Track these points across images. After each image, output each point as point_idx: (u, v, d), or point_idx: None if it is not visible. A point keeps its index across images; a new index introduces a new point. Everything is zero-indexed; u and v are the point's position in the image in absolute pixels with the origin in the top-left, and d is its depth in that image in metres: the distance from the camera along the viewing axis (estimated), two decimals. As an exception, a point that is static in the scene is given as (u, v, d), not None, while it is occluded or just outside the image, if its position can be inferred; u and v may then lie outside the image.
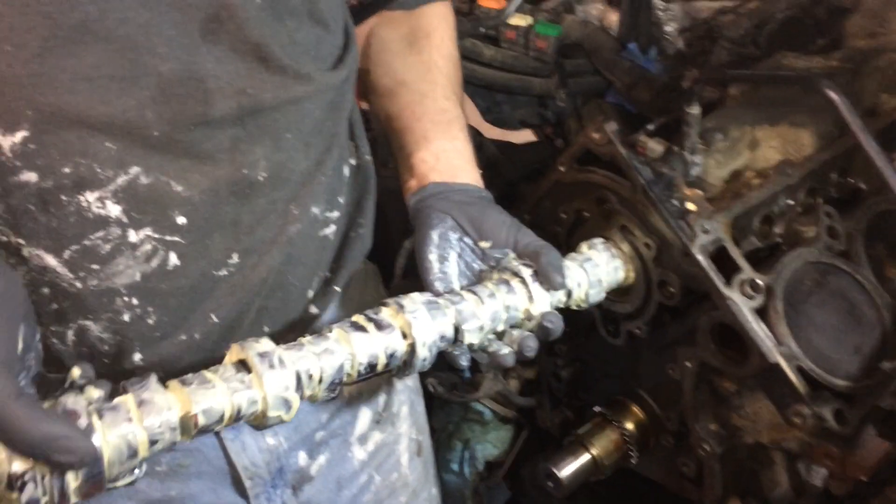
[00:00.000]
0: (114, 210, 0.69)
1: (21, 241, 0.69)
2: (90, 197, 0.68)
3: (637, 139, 1.04)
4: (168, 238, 0.72)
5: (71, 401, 0.61)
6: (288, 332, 0.85)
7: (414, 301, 0.80)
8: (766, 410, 0.97)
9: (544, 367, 1.28)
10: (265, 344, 0.71)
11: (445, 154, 0.96)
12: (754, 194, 1.00)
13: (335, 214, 0.86)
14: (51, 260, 0.70)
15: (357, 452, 1.01)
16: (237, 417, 0.68)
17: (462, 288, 0.87)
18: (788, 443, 0.98)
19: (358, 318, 0.78)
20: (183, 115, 0.69)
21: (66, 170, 0.67)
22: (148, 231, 0.71)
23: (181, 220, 0.72)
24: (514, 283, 0.86)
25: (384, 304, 0.80)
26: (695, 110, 0.99)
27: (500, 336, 0.86)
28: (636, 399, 1.15)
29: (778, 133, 1.08)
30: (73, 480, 0.59)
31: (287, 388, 0.70)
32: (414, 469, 1.10)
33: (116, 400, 0.64)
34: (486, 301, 0.83)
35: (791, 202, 1.03)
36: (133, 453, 0.62)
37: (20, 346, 0.61)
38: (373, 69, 1.01)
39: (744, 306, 0.92)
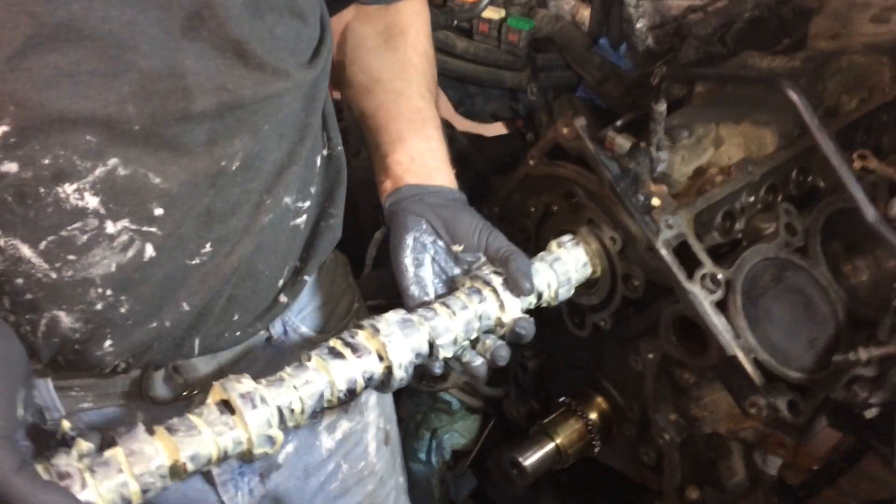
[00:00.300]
0: (92, 201, 0.70)
1: None
2: (68, 189, 0.69)
3: (605, 135, 1.05)
4: (145, 229, 0.72)
5: (63, 462, 0.64)
6: (256, 321, 0.86)
7: (389, 323, 0.82)
8: (723, 401, 1.00)
9: (511, 359, 1.29)
10: (247, 384, 0.73)
11: (420, 155, 0.97)
12: (717, 191, 1.02)
13: (306, 204, 0.87)
14: (26, 251, 0.70)
15: (325, 441, 1.02)
16: (224, 458, 0.72)
17: (435, 298, 0.90)
18: (745, 433, 1.01)
19: (335, 344, 0.80)
20: (163, 111, 0.70)
21: (46, 161, 0.67)
22: (125, 222, 0.71)
23: (158, 211, 0.72)
24: (486, 291, 0.88)
25: (359, 328, 0.82)
26: (661, 107, 1.01)
27: (473, 343, 0.89)
28: (600, 390, 1.17)
29: (741, 131, 1.10)
30: None
31: (270, 425, 0.73)
32: (381, 457, 1.11)
33: (107, 454, 0.66)
34: (458, 313, 0.86)
35: (752, 199, 1.05)
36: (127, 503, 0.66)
37: (20, 410, 0.65)
38: (348, 65, 1.02)
39: (704, 300, 0.95)
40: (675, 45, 1.46)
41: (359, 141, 1.76)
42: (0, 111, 0.65)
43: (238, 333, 0.85)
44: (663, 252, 0.97)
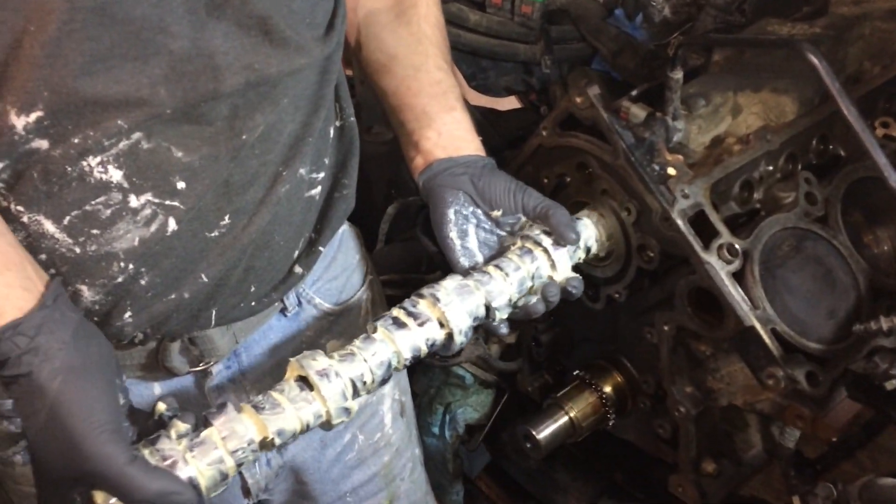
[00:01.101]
0: (115, 175, 0.71)
1: (21, 207, 0.70)
2: (92, 162, 0.70)
3: (620, 104, 1.04)
4: (168, 203, 0.73)
5: (167, 447, 0.71)
6: (272, 292, 0.87)
7: (447, 290, 0.87)
8: (740, 373, 0.99)
9: (525, 332, 1.29)
10: (321, 360, 0.79)
11: (446, 127, 0.99)
12: (734, 160, 1.00)
13: (321, 175, 0.87)
14: (50, 226, 0.71)
15: None
16: (306, 430, 0.78)
17: (487, 262, 0.93)
18: (762, 404, 0.99)
19: (398, 314, 0.86)
20: (194, 92, 0.71)
21: (76, 140, 0.69)
22: (148, 196, 0.73)
23: (181, 185, 0.73)
24: (537, 252, 0.92)
25: (420, 297, 0.87)
26: (677, 75, 0.99)
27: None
28: (615, 363, 1.16)
29: (760, 99, 1.08)
30: None
31: (345, 397, 0.79)
32: (397, 429, 1.11)
33: (203, 434, 0.73)
34: (511, 275, 0.90)
35: (771, 168, 1.03)
36: (224, 477, 0.73)
37: (120, 399, 0.70)
38: (364, 43, 1.02)
39: (721, 270, 0.93)
40: (693, 15, 1.43)
41: (370, 116, 1.75)
42: (34, 96, 0.66)
43: (254, 304, 0.85)
44: (679, 222, 0.95)
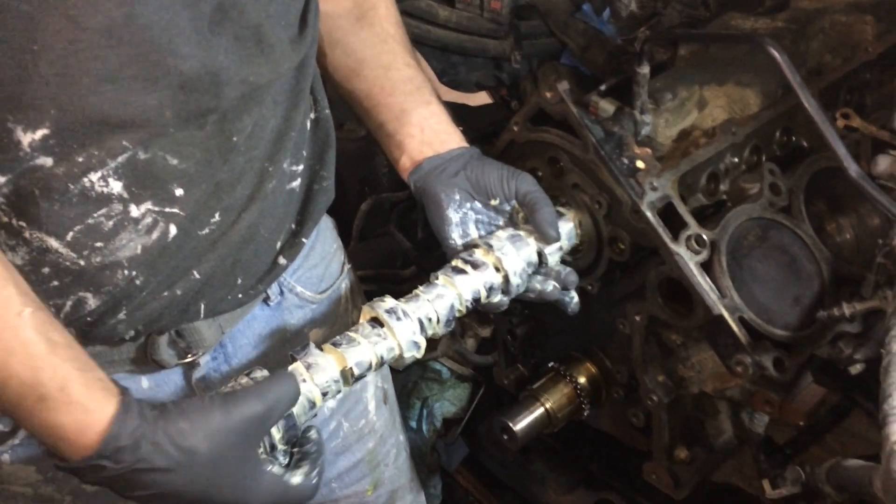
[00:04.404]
0: (115, 186, 0.71)
1: (23, 223, 0.70)
2: (94, 177, 0.70)
3: (589, 99, 1.05)
4: (168, 210, 0.74)
5: (259, 375, 0.79)
6: (258, 283, 0.88)
7: (500, 239, 0.95)
8: (710, 361, 1.01)
9: (500, 326, 1.30)
10: (389, 301, 0.88)
11: (427, 122, 1.00)
12: (701, 153, 1.02)
13: (300, 168, 0.89)
14: (53, 242, 0.71)
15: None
16: (381, 363, 0.86)
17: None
18: (731, 391, 1.02)
19: (457, 262, 0.94)
20: (198, 110, 0.72)
21: (80, 159, 0.68)
22: (148, 205, 0.73)
23: (179, 191, 0.74)
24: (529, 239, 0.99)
25: (475, 246, 0.95)
26: (644, 70, 1.01)
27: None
28: (588, 354, 1.18)
29: (725, 92, 1.10)
30: (276, 433, 0.77)
31: (414, 332, 0.87)
32: (381, 416, 1.13)
33: (290, 367, 0.81)
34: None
35: (736, 160, 1.05)
36: (312, 405, 0.81)
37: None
38: (329, 50, 1.02)
39: (690, 261, 0.95)
40: (659, 10, 1.45)
41: (343, 113, 1.74)
42: (41, 114, 0.65)
43: (240, 296, 0.87)
44: (648, 214, 0.97)
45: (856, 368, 0.92)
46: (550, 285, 0.98)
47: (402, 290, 1.50)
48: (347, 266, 1.09)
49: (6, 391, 0.65)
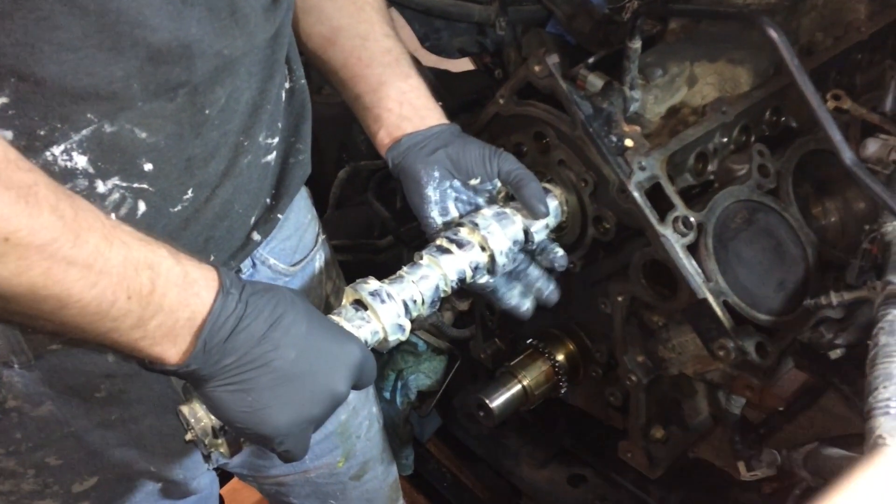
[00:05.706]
0: (80, 161, 0.68)
1: None
2: (56, 151, 0.67)
3: (577, 72, 1.02)
4: (136, 185, 0.71)
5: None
6: (231, 259, 0.86)
7: (485, 217, 0.92)
8: (691, 343, 1.00)
9: (478, 300, 1.28)
10: (373, 283, 0.84)
11: (406, 97, 0.96)
12: (690, 132, 1.00)
13: (275, 140, 0.85)
14: None
15: None
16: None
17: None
18: (712, 374, 1.01)
19: (441, 242, 0.91)
20: (168, 84, 0.69)
21: (42, 132, 0.66)
22: (115, 180, 0.70)
23: (148, 166, 0.71)
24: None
25: (461, 225, 0.92)
26: (636, 45, 0.98)
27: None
28: (568, 332, 1.17)
29: (716, 70, 1.08)
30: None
31: (399, 315, 0.83)
32: None
33: None
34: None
35: (725, 140, 1.04)
36: None
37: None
38: (303, 17, 0.98)
39: (676, 243, 0.93)
40: (648, -21, 1.41)
41: (320, 77, 1.69)
42: (1, 83, 0.62)
43: None
44: (636, 195, 0.95)
45: (836, 353, 0.92)
46: (526, 303, 0.99)
47: (378, 259, 1.47)
48: (322, 237, 1.07)
49: (125, 280, 0.65)
